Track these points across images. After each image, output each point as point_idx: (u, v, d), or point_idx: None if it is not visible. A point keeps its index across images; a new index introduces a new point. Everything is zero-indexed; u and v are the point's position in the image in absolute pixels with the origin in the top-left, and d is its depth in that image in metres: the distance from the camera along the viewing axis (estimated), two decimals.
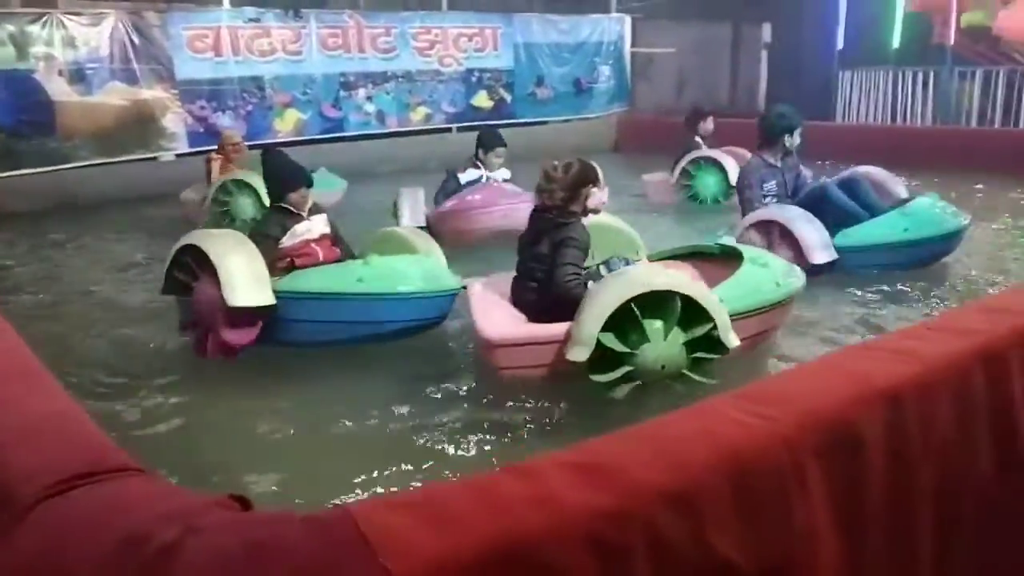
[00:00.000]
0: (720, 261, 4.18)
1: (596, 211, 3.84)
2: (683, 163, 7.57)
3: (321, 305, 3.74)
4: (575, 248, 3.58)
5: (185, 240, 3.80)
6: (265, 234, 3.98)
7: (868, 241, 5.02)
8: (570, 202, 3.68)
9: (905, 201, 5.31)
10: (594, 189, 3.74)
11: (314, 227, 4.13)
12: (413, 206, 7.19)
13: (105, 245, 6.81)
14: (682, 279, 3.37)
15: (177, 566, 1.09)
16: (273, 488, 2.76)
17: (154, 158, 9.60)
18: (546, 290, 3.62)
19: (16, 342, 2.36)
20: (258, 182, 6.05)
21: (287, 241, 4.03)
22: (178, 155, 9.74)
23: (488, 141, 6.35)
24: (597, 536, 1.24)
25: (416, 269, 3.98)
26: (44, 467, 1.44)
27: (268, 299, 3.62)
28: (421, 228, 5.52)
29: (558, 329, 3.37)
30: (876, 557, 1.71)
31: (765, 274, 3.86)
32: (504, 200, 5.73)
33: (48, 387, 1.97)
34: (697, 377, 3.30)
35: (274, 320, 3.72)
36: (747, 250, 4.19)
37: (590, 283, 3.58)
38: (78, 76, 9.01)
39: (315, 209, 4.21)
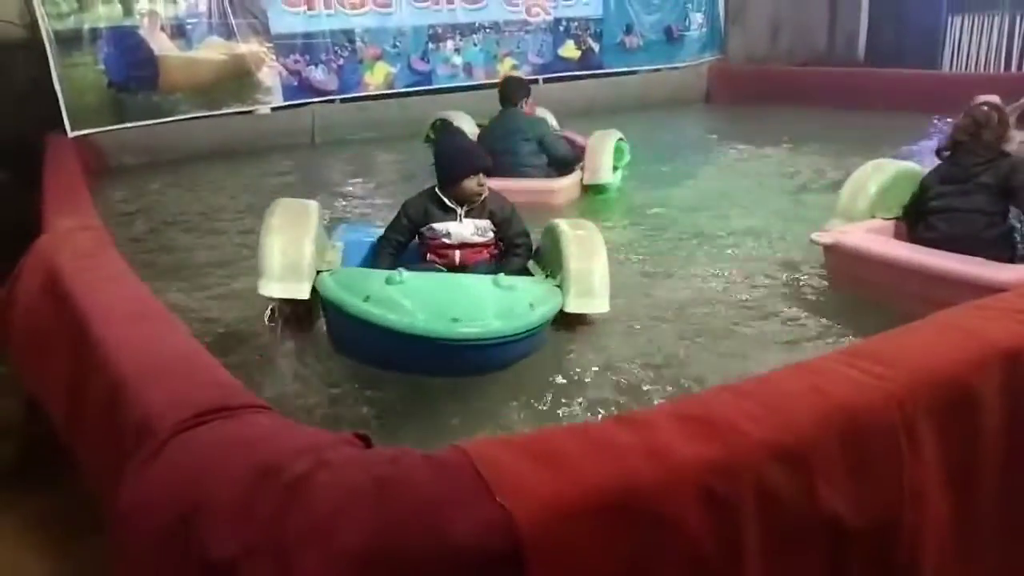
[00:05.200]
0: None
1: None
2: None
3: (401, 339, 2.76)
4: None
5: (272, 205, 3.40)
6: (402, 215, 3.53)
7: None
8: (997, 144, 3.55)
9: None
10: (1014, 132, 3.60)
11: (456, 232, 3.47)
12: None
13: (209, 197, 7.07)
14: None
15: (310, 497, 1.16)
16: None
17: (250, 111, 9.85)
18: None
19: (141, 287, 2.51)
20: None
21: (426, 232, 3.50)
22: (273, 108, 9.98)
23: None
24: (708, 489, 1.26)
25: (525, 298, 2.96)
26: (178, 402, 1.54)
27: (296, 293, 3.06)
28: None
29: None
30: (987, 519, 1.68)
31: None
32: None
33: (174, 328, 2.09)
34: None
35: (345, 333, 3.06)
36: None
37: None
38: (179, 31, 9.27)
39: (480, 211, 3.48)
